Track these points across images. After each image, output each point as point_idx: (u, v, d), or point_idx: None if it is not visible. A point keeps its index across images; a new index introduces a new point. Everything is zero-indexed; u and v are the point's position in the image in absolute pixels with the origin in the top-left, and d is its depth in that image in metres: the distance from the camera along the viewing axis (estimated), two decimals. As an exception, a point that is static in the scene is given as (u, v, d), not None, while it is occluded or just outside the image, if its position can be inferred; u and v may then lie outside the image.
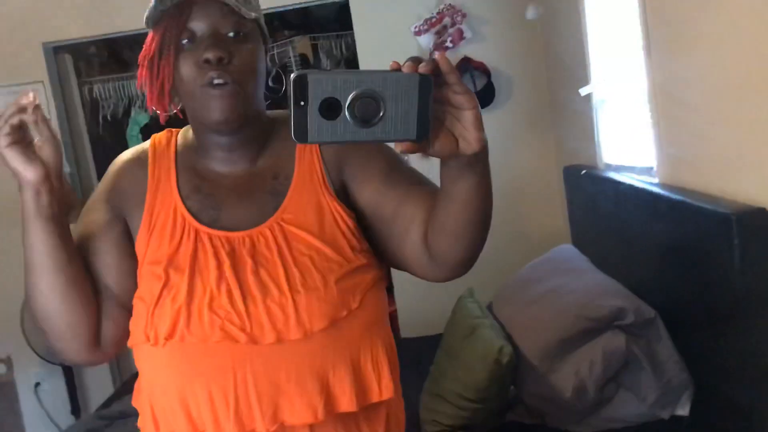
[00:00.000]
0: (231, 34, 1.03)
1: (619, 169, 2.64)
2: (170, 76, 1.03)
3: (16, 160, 0.94)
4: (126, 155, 1.17)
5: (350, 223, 1.07)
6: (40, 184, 0.96)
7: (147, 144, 1.16)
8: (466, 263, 1.02)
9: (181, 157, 1.13)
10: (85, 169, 3.95)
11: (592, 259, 2.59)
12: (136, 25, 3.57)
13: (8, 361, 3.80)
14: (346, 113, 0.75)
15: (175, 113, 1.12)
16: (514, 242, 3.42)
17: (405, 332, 3.48)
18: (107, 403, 2.97)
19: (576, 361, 2.02)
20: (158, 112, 1.09)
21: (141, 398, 1.09)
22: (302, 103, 0.75)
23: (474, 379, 2.04)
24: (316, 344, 1.00)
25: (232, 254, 1.04)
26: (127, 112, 4.25)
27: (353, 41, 3.69)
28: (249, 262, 1.03)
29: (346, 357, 1.02)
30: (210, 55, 1.00)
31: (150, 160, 1.13)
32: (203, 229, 1.06)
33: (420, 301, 3.28)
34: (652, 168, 2.29)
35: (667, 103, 2.10)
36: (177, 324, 1.00)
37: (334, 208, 1.08)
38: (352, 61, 4.00)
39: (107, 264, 1.08)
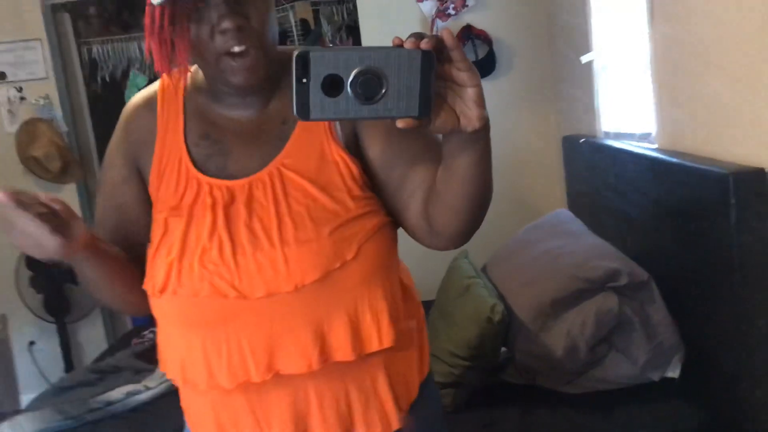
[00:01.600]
0: None
1: (618, 136, 2.63)
2: (186, 49, 1.00)
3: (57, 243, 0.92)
4: (135, 100, 1.16)
5: (354, 169, 1.06)
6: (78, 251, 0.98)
7: (156, 86, 1.15)
8: (463, 236, 1.02)
9: (189, 100, 1.12)
10: (83, 129, 3.94)
11: (589, 225, 2.59)
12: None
13: (3, 320, 3.81)
14: (349, 90, 0.76)
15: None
16: (512, 210, 3.41)
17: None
18: (100, 358, 2.99)
19: (568, 321, 2.02)
20: (166, 76, 1.08)
21: (158, 345, 1.12)
22: (305, 80, 0.75)
23: (466, 336, 2.05)
24: (308, 296, 0.99)
25: (230, 205, 1.03)
26: (125, 74, 4.22)
27: (355, 7, 3.65)
28: (243, 212, 1.02)
29: (340, 308, 1.01)
30: (227, 24, 0.97)
31: (159, 104, 1.12)
32: (205, 179, 1.06)
33: (415, 266, 3.26)
34: (650, 134, 2.29)
35: (666, 69, 2.09)
36: (169, 277, 1.01)
37: (337, 153, 1.06)
38: (353, 28, 3.97)
39: (134, 220, 1.12)
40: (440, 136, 0.91)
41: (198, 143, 1.09)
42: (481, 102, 0.81)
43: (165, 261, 1.02)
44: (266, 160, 1.06)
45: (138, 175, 1.12)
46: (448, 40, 0.77)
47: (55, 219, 0.92)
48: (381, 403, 1.08)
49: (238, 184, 1.04)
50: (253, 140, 1.08)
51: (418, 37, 0.76)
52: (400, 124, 0.78)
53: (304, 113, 0.76)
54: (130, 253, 1.11)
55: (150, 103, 1.13)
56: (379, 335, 1.03)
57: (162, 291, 1.01)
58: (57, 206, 0.93)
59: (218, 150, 1.08)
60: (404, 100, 0.77)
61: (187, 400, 1.14)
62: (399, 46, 0.76)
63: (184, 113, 1.11)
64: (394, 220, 1.10)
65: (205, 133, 1.09)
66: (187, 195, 1.05)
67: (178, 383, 1.08)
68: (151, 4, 1.00)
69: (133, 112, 1.14)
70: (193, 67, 1.15)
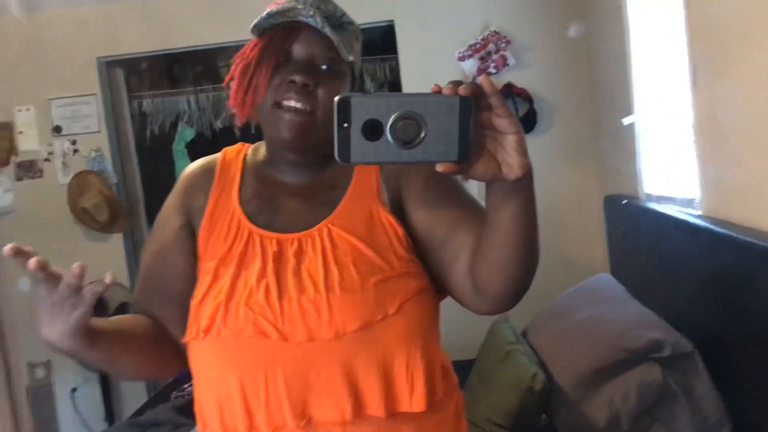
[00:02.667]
0: (324, 67, 1.08)
1: (660, 199, 2.62)
2: (262, 87, 1.07)
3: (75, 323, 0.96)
4: (197, 164, 1.23)
5: (400, 232, 1.08)
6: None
7: (218, 155, 1.22)
8: (509, 296, 1.00)
9: (248, 167, 1.19)
10: (131, 180, 4.05)
11: (631, 289, 2.56)
12: (187, 42, 3.70)
13: (48, 365, 3.88)
14: (388, 134, 0.77)
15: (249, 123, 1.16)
16: (552, 270, 3.37)
17: (437, 356, 3.47)
18: (140, 411, 3.02)
19: (610, 391, 1.99)
20: (235, 113, 1.14)
21: (195, 394, 1.12)
22: (345, 124, 0.77)
23: (506, 404, 2.03)
24: (347, 345, 1.00)
25: (279, 254, 1.07)
26: (174, 127, 4.35)
27: (397, 64, 3.73)
28: (292, 261, 1.06)
29: (378, 360, 1.01)
30: (297, 77, 1.05)
31: (218, 169, 1.19)
32: (256, 230, 1.10)
33: (454, 325, 3.24)
34: (694, 200, 2.27)
35: (711, 133, 2.08)
36: (215, 318, 1.03)
37: (385, 217, 1.09)
38: (395, 84, 4.04)
39: (180, 272, 1.14)
40: (483, 192, 0.91)
41: (250, 201, 1.14)
42: (521, 149, 0.81)
43: (212, 304, 1.04)
44: (315, 220, 1.10)
45: (189, 232, 1.16)
46: (487, 87, 0.78)
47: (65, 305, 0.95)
48: None
49: (288, 238, 1.08)
50: (303, 202, 1.13)
51: (456, 83, 0.77)
52: (439, 168, 0.79)
53: (345, 156, 0.78)
54: (162, 310, 1.15)
55: (209, 168, 1.20)
56: (411, 395, 1.03)
57: (207, 332, 1.03)
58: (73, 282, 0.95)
59: (268, 208, 1.13)
60: (443, 144, 0.78)
61: None
62: (438, 92, 0.78)
63: (242, 176, 1.17)
64: (438, 287, 1.11)
65: (258, 193, 1.15)
66: (237, 244, 1.09)
67: (214, 429, 1.07)
68: (250, 45, 1.10)
69: (193, 172, 1.21)
70: (256, 143, 1.22)
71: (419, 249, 1.10)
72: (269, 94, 1.07)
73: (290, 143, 1.08)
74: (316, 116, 1.07)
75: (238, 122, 1.15)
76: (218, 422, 1.05)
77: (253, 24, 1.10)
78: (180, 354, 1.14)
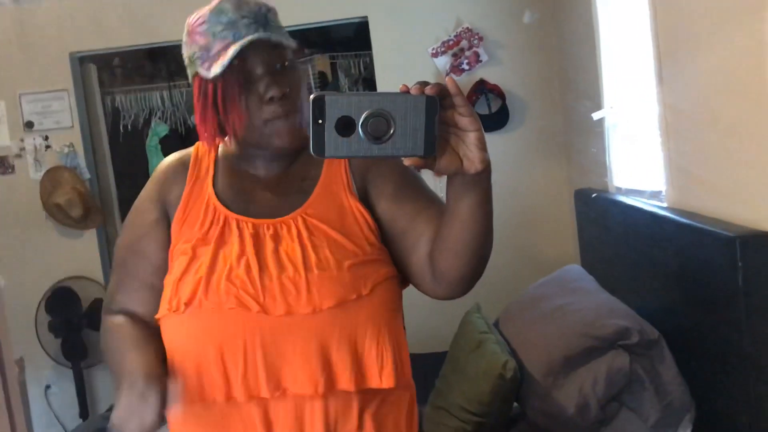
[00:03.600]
0: (279, 66, 1.12)
1: (629, 192, 2.68)
2: (240, 118, 1.11)
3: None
4: (171, 158, 1.28)
5: (369, 220, 1.15)
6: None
7: (191, 149, 1.27)
8: (465, 281, 1.08)
9: (221, 160, 1.24)
10: (104, 176, 4.03)
11: (600, 280, 2.61)
12: (161, 37, 3.69)
13: (20, 363, 3.85)
14: (360, 131, 0.82)
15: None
16: (523, 262, 3.45)
17: (411, 349, 3.50)
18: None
19: (580, 378, 2.04)
20: (208, 146, 1.20)
21: (170, 368, 1.13)
22: (320, 121, 0.82)
23: (478, 392, 2.07)
24: (322, 320, 1.06)
25: (255, 236, 1.12)
26: (147, 123, 4.33)
27: (371, 61, 3.76)
28: (270, 243, 1.11)
29: (350, 337, 1.07)
30: (273, 93, 1.10)
31: (191, 162, 1.24)
32: (232, 215, 1.15)
33: (427, 318, 3.31)
34: (660, 192, 2.33)
35: (676, 128, 2.14)
36: (197, 292, 1.08)
37: (355, 207, 1.16)
38: (369, 80, 4.07)
39: (154, 264, 1.18)
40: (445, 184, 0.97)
41: (224, 191, 1.19)
42: (482, 145, 0.88)
43: (193, 278, 1.09)
44: (289, 209, 1.15)
45: (165, 224, 1.20)
46: (452, 88, 0.85)
47: None
48: None
49: (263, 223, 1.14)
50: (276, 193, 1.19)
51: (423, 84, 0.83)
52: (406, 162, 0.85)
53: (320, 151, 0.83)
54: (137, 301, 1.19)
55: (183, 161, 1.25)
56: (380, 373, 1.09)
57: (188, 304, 1.07)
58: None
59: (242, 198, 1.18)
60: (410, 140, 0.83)
61: (185, 423, 1.13)
62: (406, 92, 0.84)
63: (215, 170, 1.22)
64: (400, 277, 1.17)
65: (231, 184, 1.20)
66: (214, 228, 1.14)
67: (196, 398, 1.08)
68: (203, 79, 1.12)
69: (167, 167, 1.26)
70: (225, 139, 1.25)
71: (383, 238, 1.16)
72: (253, 118, 1.11)
73: (286, 149, 1.14)
74: (299, 113, 1.13)
75: (210, 147, 1.21)
76: (197, 391, 1.08)
77: (194, 73, 1.13)
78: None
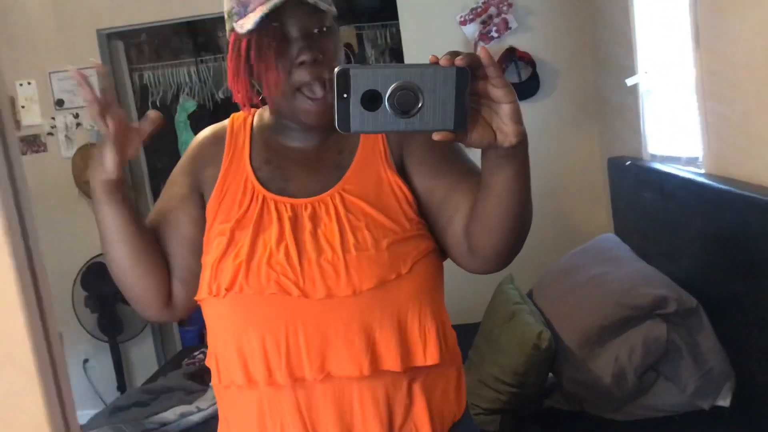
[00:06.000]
0: (316, 31, 1.09)
1: (664, 159, 2.62)
2: (275, 79, 1.08)
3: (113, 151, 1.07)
4: (206, 132, 1.26)
5: (408, 195, 1.12)
6: (117, 172, 1.08)
7: (226, 122, 1.25)
8: (501, 257, 1.05)
9: (256, 133, 1.22)
10: (135, 153, 4.05)
11: (635, 249, 2.58)
12: (187, 12, 3.68)
13: (59, 338, 3.92)
14: (386, 104, 0.79)
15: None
16: (556, 233, 3.42)
17: (444, 320, 3.50)
18: (152, 378, 3.06)
19: (616, 348, 2.02)
20: (242, 107, 1.17)
21: (210, 355, 1.15)
22: (345, 95, 0.80)
23: (512, 363, 2.06)
24: (363, 302, 1.04)
25: (294, 218, 1.10)
26: (175, 99, 4.35)
27: (398, 31, 3.71)
28: (308, 225, 1.09)
29: (393, 317, 1.06)
30: (306, 57, 1.06)
31: (228, 136, 1.21)
32: (270, 195, 1.13)
33: (459, 290, 3.29)
34: (697, 158, 2.28)
35: (714, 92, 2.08)
36: (237, 277, 1.07)
37: (393, 180, 1.13)
38: (396, 51, 4.03)
39: (183, 235, 1.18)
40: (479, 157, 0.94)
41: (261, 168, 1.17)
42: (517, 118, 0.83)
43: (233, 264, 1.08)
44: (326, 185, 1.13)
45: (198, 197, 1.19)
46: (485, 58, 0.80)
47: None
48: (417, 427, 1.10)
49: (301, 203, 1.12)
50: (312, 168, 1.16)
51: (453, 54, 0.79)
52: (436, 136, 0.82)
53: (345, 126, 0.81)
54: (174, 264, 1.19)
55: (219, 135, 1.23)
56: (424, 351, 1.07)
57: (228, 289, 1.07)
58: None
59: (279, 174, 1.16)
60: (440, 114, 0.80)
61: (229, 402, 1.16)
62: (435, 63, 0.80)
63: (250, 143, 1.20)
64: (440, 249, 1.14)
65: (268, 160, 1.18)
66: (252, 209, 1.12)
67: (238, 382, 1.09)
68: (238, 35, 1.10)
69: (203, 140, 1.24)
70: (260, 109, 1.24)
71: (420, 210, 1.14)
72: (285, 83, 1.08)
73: (315, 128, 1.12)
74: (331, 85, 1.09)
75: (244, 108, 1.18)
76: (241, 372, 1.08)
77: (230, 29, 1.12)
78: (160, 289, 1.17)
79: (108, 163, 1.07)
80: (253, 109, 1.23)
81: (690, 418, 2.01)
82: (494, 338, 2.22)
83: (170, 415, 2.43)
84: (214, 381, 1.15)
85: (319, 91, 1.08)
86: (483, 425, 2.10)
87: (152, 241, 1.16)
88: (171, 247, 1.18)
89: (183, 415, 2.41)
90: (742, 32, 1.87)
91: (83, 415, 3.16)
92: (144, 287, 1.16)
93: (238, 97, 1.15)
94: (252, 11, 1.07)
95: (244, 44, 1.10)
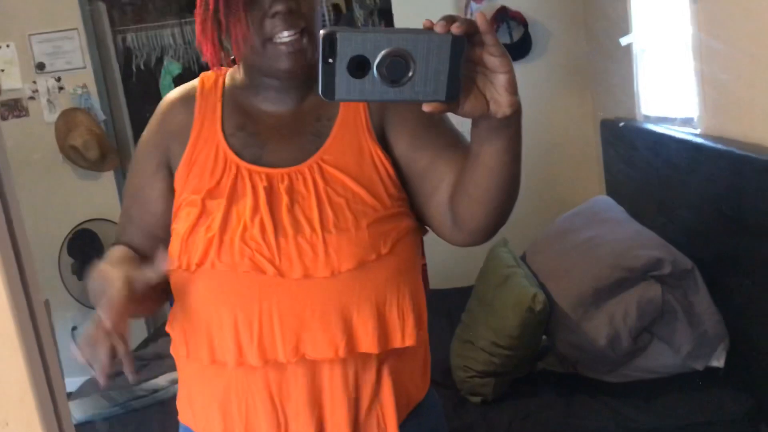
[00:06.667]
0: None
1: (658, 120, 2.59)
2: (243, 32, 1.02)
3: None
4: (174, 94, 1.18)
5: (390, 169, 1.07)
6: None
7: (195, 82, 1.17)
8: (486, 230, 1.01)
9: (228, 95, 1.14)
10: (119, 117, 3.99)
11: (629, 211, 2.56)
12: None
13: (46, 305, 3.89)
14: (375, 72, 0.74)
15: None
16: (550, 196, 3.40)
17: (436, 284, 3.48)
18: (143, 345, 3.04)
19: (610, 310, 2.01)
20: (211, 66, 1.10)
21: (174, 324, 1.11)
22: (330, 60, 0.74)
23: (506, 326, 2.05)
24: (342, 283, 1.01)
25: (270, 190, 1.05)
26: (159, 61, 4.26)
27: (387, -10, 3.63)
28: (285, 198, 1.04)
29: (371, 299, 1.03)
30: (279, 7, 1.00)
31: (197, 98, 1.14)
32: (244, 164, 1.07)
33: (451, 253, 3.27)
34: (692, 119, 2.25)
35: (711, 51, 2.05)
36: (209, 251, 1.02)
37: (375, 152, 1.08)
38: (386, 12, 3.94)
39: (156, 212, 1.12)
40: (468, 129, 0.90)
41: (234, 134, 1.10)
42: (512, 89, 0.79)
43: (205, 237, 1.02)
44: (303, 154, 1.07)
45: (167, 169, 1.12)
46: (482, 25, 0.75)
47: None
48: (382, 408, 1.09)
49: (276, 173, 1.06)
50: (288, 134, 1.10)
51: (450, 20, 0.74)
52: (426, 108, 0.77)
53: (329, 93, 0.76)
54: (149, 242, 1.13)
55: (188, 97, 1.15)
56: (402, 333, 1.05)
57: (199, 264, 1.02)
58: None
59: (254, 141, 1.10)
60: (432, 84, 0.75)
61: (193, 377, 1.12)
62: (429, 29, 0.75)
63: (222, 107, 1.13)
64: (420, 225, 1.11)
65: (242, 125, 1.11)
66: (225, 178, 1.06)
67: (206, 360, 1.06)
68: None
69: (170, 105, 1.16)
70: (232, 68, 1.17)
71: (401, 181, 1.09)
72: (255, 34, 1.02)
73: (291, 72, 1.04)
74: (308, 32, 1.03)
75: (214, 67, 1.11)
76: (207, 352, 1.04)
77: None
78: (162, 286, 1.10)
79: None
80: (224, 69, 1.16)
81: (683, 379, 2.01)
82: (488, 301, 2.21)
83: (161, 381, 2.41)
84: (178, 352, 1.10)
85: (292, 36, 1.01)
86: (476, 388, 2.10)
87: (160, 292, 1.09)
88: (147, 225, 1.13)
89: (174, 382, 2.39)
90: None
91: (72, 382, 3.13)
92: (154, 300, 1.11)
93: (206, 56, 1.08)
94: None
95: None
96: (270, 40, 1.02)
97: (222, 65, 1.12)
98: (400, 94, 0.76)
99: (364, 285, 1.02)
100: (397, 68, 0.74)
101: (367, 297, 1.02)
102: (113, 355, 0.92)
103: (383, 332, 1.04)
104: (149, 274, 0.98)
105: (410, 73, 0.75)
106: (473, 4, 3.36)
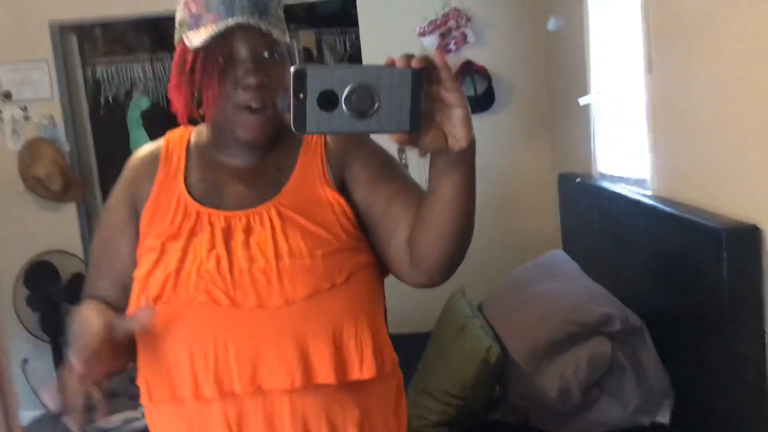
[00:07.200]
0: (266, 55, 1.08)
1: (613, 179, 2.69)
2: (215, 96, 1.07)
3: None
4: (142, 151, 1.24)
5: (347, 209, 1.12)
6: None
7: (162, 141, 1.23)
8: (443, 268, 1.04)
9: (193, 149, 1.20)
10: (85, 149, 3.97)
11: (583, 266, 2.64)
12: (144, 8, 3.61)
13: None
14: (343, 105, 0.79)
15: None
16: (507, 245, 3.47)
17: (393, 329, 3.49)
18: (96, 383, 3.00)
19: (562, 364, 2.07)
20: (181, 120, 1.16)
21: (139, 374, 1.12)
22: (301, 95, 0.78)
23: (461, 376, 2.09)
24: (296, 312, 1.03)
25: (227, 229, 1.09)
26: (128, 95, 4.27)
27: (357, 38, 3.72)
28: (241, 235, 1.08)
29: (327, 328, 1.04)
30: (251, 80, 1.06)
31: (163, 153, 1.20)
32: (204, 209, 1.12)
33: (410, 299, 3.31)
34: (645, 180, 2.34)
35: (664, 117, 2.14)
36: (165, 287, 1.05)
37: (331, 196, 1.12)
38: (356, 58, 4.04)
39: (126, 264, 1.15)
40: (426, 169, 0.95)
41: (196, 185, 1.16)
42: (467, 123, 0.84)
43: (162, 274, 1.06)
44: (262, 200, 1.12)
45: (135, 220, 1.16)
46: (438, 61, 0.81)
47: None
48: None
49: (235, 215, 1.11)
50: (250, 184, 1.15)
51: (409, 57, 0.80)
52: (391, 138, 0.83)
53: (301, 127, 0.80)
54: (121, 293, 1.15)
55: (154, 153, 1.21)
56: (360, 364, 1.06)
57: (156, 300, 1.05)
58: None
59: (215, 191, 1.15)
60: (396, 115, 0.80)
61: (158, 419, 1.13)
62: (391, 65, 0.80)
63: (186, 161, 1.18)
64: (380, 265, 1.15)
65: (204, 176, 1.17)
66: (186, 223, 1.11)
67: (167, 397, 1.07)
68: (186, 47, 1.09)
69: (138, 161, 1.22)
70: (198, 126, 1.23)
71: (361, 225, 1.14)
72: (227, 100, 1.08)
73: (255, 142, 1.11)
74: (274, 108, 1.09)
75: (181, 120, 1.16)
76: (167, 389, 1.06)
77: (179, 36, 1.11)
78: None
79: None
80: (190, 126, 1.22)
81: (631, 434, 2.07)
82: (444, 350, 2.25)
83: (114, 420, 2.38)
84: (143, 400, 1.12)
85: (260, 109, 1.07)
86: (430, 437, 2.13)
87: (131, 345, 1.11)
88: (117, 276, 1.16)
89: (127, 421, 2.37)
90: (693, 61, 1.93)
91: (21, 417, 3.07)
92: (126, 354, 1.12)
93: (175, 106, 1.13)
94: (203, 26, 1.07)
95: (190, 57, 1.09)
96: (239, 108, 1.08)
97: (193, 118, 1.17)
98: (367, 126, 0.80)
99: (319, 314, 1.04)
100: (363, 101, 0.79)
101: (323, 326, 1.04)
102: (88, 404, 0.93)
103: (340, 362, 1.05)
104: (130, 324, 1.01)
105: (376, 106, 0.79)
106: (433, 50, 3.46)
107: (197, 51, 1.07)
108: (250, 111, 1.07)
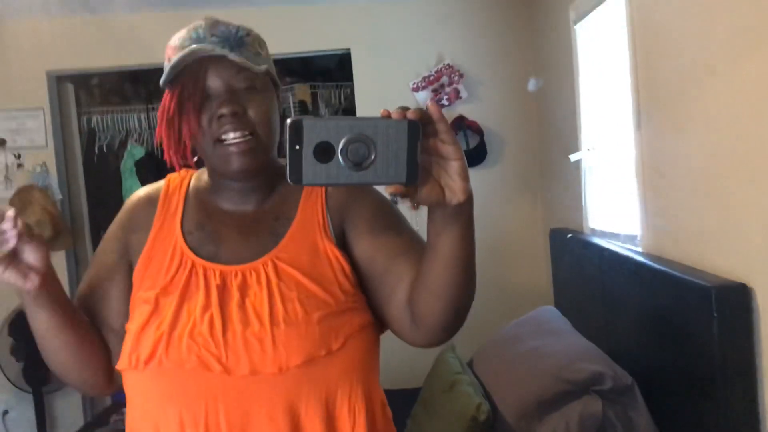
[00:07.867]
0: (243, 87, 1.08)
1: (604, 235, 2.70)
2: (192, 133, 1.07)
3: (12, 278, 0.96)
4: (140, 193, 1.22)
5: (345, 266, 1.09)
6: (40, 287, 1.00)
7: (161, 183, 1.21)
8: (445, 327, 1.02)
9: (191, 194, 1.18)
10: (76, 197, 3.97)
11: (573, 322, 2.62)
12: (140, 60, 3.67)
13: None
14: (339, 157, 0.78)
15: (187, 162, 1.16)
16: (497, 301, 3.45)
17: (382, 384, 3.46)
18: (79, 434, 2.93)
19: (553, 422, 2.03)
20: (174, 165, 1.14)
21: (128, 423, 1.10)
22: (297, 146, 0.78)
23: (450, 434, 2.05)
24: (290, 380, 1.01)
25: (222, 287, 1.06)
26: (123, 145, 4.29)
27: (352, 92, 3.77)
28: (236, 295, 1.05)
29: (320, 396, 1.02)
30: (225, 110, 1.05)
31: (161, 197, 1.18)
32: (199, 262, 1.09)
33: (400, 354, 3.27)
34: (636, 237, 2.35)
35: (654, 176, 2.16)
36: (157, 348, 1.02)
37: (330, 250, 1.10)
38: (350, 111, 4.08)
39: (114, 308, 1.13)
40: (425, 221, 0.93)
41: (192, 232, 1.13)
42: (464, 175, 0.83)
43: (154, 334, 1.03)
44: (259, 252, 1.10)
45: (127, 266, 1.14)
46: (434, 113, 0.80)
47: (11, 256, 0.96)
48: None
49: (230, 270, 1.08)
50: (247, 233, 1.13)
51: (405, 109, 0.79)
52: (388, 190, 0.81)
53: (297, 178, 0.79)
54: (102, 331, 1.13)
55: (153, 196, 1.19)
56: (352, 431, 1.04)
57: (147, 362, 1.02)
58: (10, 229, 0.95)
59: (211, 239, 1.12)
60: (392, 167, 0.79)
61: None
62: (387, 116, 0.79)
63: (184, 206, 1.17)
64: (378, 322, 1.12)
65: (201, 224, 1.14)
66: (180, 275, 1.08)
67: None
68: (167, 93, 1.09)
69: (135, 202, 1.20)
70: (200, 170, 1.22)
71: (360, 280, 1.11)
72: (205, 136, 1.07)
73: (241, 173, 1.09)
74: (257, 135, 1.08)
75: (177, 168, 1.16)
76: None
77: (162, 81, 1.11)
78: (104, 370, 1.12)
79: (19, 284, 0.98)
80: (191, 170, 1.21)
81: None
82: (433, 407, 2.21)
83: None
84: None
85: (239, 138, 1.06)
86: (418, 497, 2.07)
87: (89, 327, 1.11)
88: (104, 320, 1.13)
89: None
90: (682, 122, 1.95)
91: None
92: (88, 373, 1.12)
93: (168, 154, 1.12)
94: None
95: (167, 98, 1.09)
96: (219, 140, 1.06)
97: (187, 164, 1.15)
98: (364, 177, 0.79)
99: (313, 381, 1.01)
100: (359, 152, 0.78)
101: (316, 394, 1.01)
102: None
103: (332, 430, 1.03)
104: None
105: (372, 157, 0.78)
106: (428, 102, 3.51)
107: (172, 90, 1.08)
108: (227, 142, 1.06)
